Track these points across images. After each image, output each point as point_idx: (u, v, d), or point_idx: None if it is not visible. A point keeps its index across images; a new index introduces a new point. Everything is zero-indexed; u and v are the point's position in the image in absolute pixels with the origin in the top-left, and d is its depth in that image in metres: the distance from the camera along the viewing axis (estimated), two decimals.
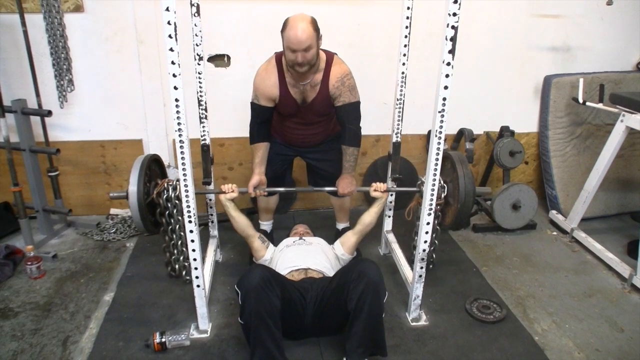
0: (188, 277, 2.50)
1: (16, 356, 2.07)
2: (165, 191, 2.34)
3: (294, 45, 2.18)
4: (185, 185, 1.88)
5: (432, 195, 2.03)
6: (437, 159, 1.95)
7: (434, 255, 2.63)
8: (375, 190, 2.51)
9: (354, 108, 2.46)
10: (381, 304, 1.93)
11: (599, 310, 2.46)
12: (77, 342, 2.16)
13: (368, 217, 2.52)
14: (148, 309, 2.39)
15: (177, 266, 2.55)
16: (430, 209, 2.06)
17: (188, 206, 1.91)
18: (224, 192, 2.44)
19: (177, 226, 2.43)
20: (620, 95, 2.87)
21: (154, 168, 2.46)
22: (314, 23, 2.21)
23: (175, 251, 2.51)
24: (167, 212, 2.38)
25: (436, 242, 2.58)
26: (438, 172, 1.99)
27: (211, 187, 2.72)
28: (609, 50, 3.55)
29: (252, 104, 2.52)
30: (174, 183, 2.36)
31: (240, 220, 2.47)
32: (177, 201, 2.36)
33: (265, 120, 2.55)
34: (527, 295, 2.59)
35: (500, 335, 2.23)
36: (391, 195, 2.82)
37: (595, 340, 2.24)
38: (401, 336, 2.21)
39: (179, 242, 2.48)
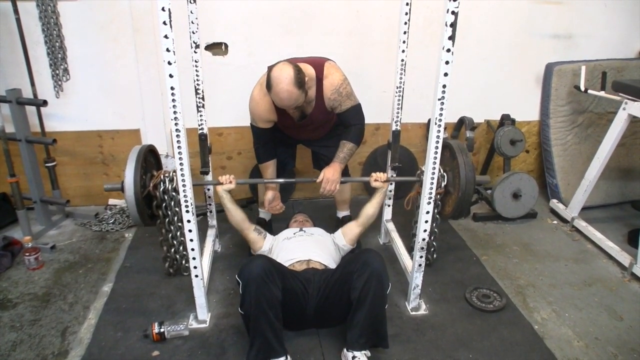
0: (187, 273, 2.49)
1: (15, 347, 2.07)
2: (162, 183, 2.31)
3: (282, 106, 2.25)
4: (182, 175, 1.86)
5: (432, 184, 2.01)
6: (436, 148, 1.92)
7: (434, 244, 2.61)
8: (375, 180, 2.48)
9: (356, 110, 2.44)
10: (384, 294, 1.92)
11: (599, 299, 2.46)
12: (76, 333, 2.15)
13: (370, 209, 2.50)
14: (147, 299, 2.38)
15: (177, 256, 2.52)
16: (430, 198, 2.04)
17: (185, 196, 1.90)
18: (222, 183, 2.41)
19: (175, 218, 2.40)
20: (622, 83, 2.84)
21: (150, 159, 2.42)
22: (297, 79, 2.13)
23: (175, 242, 2.48)
24: (164, 204, 2.35)
25: (436, 230, 2.56)
26: (438, 161, 1.97)
27: (209, 177, 2.71)
28: (611, 37, 3.50)
29: (252, 126, 2.53)
30: (171, 174, 2.33)
31: (236, 214, 2.44)
32: (174, 193, 2.33)
33: (268, 140, 2.55)
34: (527, 284, 2.58)
35: (499, 324, 2.23)
36: (391, 184, 2.80)
37: (595, 329, 2.24)
38: (400, 325, 2.21)
39: (177, 233, 2.46)
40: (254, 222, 2.54)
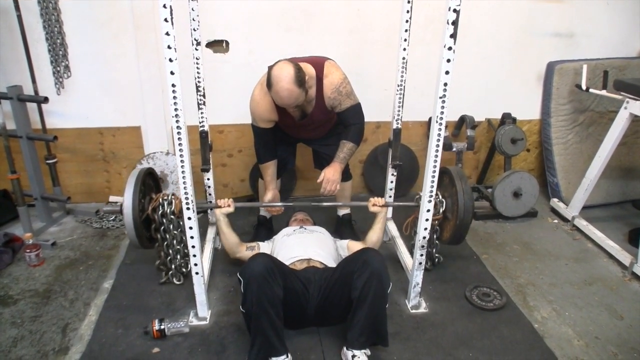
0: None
1: (16, 343, 2.07)
2: (161, 207, 2.32)
3: (282, 105, 2.26)
4: (183, 173, 1.86)
5: (433, 178, 2.00)
6: (437, 144, 1.92)
7: (433, 256, 2.61)
8: (374, 205, 2.47)
9: (356, 110, 2.44)
10: (385, 294, 1.92)
11: (599, 298, 2.46)
12: (77, 329, 2.16)
13: (374, 236, 2.46)
14: (147, 296, 2.39)
15: (175, 277, 2.50)
16: (431, 196, 2.03)
17: (186, 193, 1.90)
18: (220, 207, 2.42)
19: (174, 241, 2.40)
20: (624, 82, 2.83)
21: (149, 182, 2.43)
22: (297, 78, 2.15)
23: (173, 266, 2.46)
24: (163, 227, 2.35)
25: (437, 255, 2.59)
26: (439, 154, 1.96)
27: (210, 175, 2.71)
28: (613, 36, 3.50)
29: (253, 126, 2.53)
30: (169, 198, 2.33)
31: (231, 238, 2.43)
32: (172, 216, 2.33)
33: (269, 140, 2.55)
34: (527, 283, 2.58)
35: (499, 323, 2.23)
36: (392, 176, 2.79)
37: (595, 328, 2.24)
38: (401, 323, 2.21)
39: (177, 256, 2.45)
40: (245, 241, 2.54)
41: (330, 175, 2.39)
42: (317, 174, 2.43)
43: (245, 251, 2.45)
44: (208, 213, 2.88)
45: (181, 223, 2.31)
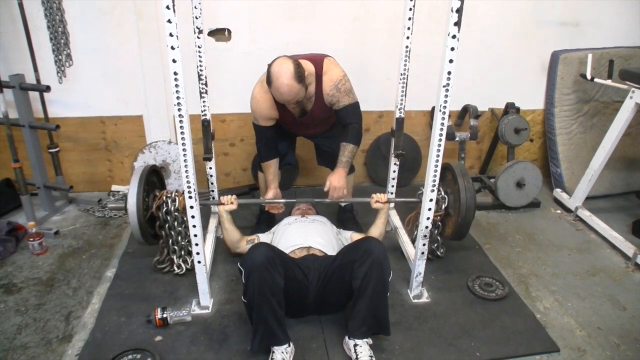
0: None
1: (20, 330, 2.09)
2: (165, 204, 2.33)
3: (282, 101, 2.26)
4: (185, 161, 1.85)
5: (437, 164, 2.00)
6: (440, 135, 1.91)
7: (435, 253, 2.61)
8: (376, 202, 2.47)
9: (354, 108, 2.43)
10: (386, 282, 1.92)
11: (602, 289, 2.45)
12: (80, 317, 2.17)
13: (376, 231, 2.47)
14: (149, 284, 2.39)
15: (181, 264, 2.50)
16: (434, 186, 2.03)
17: (188, 182, 1.89)
18: (223, 204, 2.42)
19: (178, 238, 2.41)
20: (630, 71, 2.81)
21: (153, 179, 2.43)
22: (297, 73, 2.15)
23: (175, 263, 2.45)
24: (167, 224, 2.36)
25: (438, 254, 2.59)
26: (442, 146, 1.95)
27: (212, 163, 2.71)
28: (619, 25, 3.46)
29: (254, 124, 2.53)
30: (173, 195, 2.34)
31: (233, 234, 2.44)
32: (176, 213, 2.34)
33: (270, 138, 2.54)
34: (530, 273, 2.58)
35: (502, 313, 2.23)
36: (395, 165, 2.78)
37: (597, 319, 2.24)
38: (402, 313, 2.21)
39: (182, 252, 2.45)
40: (246, 232, 2.55)
41: (335, 182, 2.38)
42: (319, 173, 2.41)
43: (245, 245, 2.45)
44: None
45: (185, 219, 2.31)
